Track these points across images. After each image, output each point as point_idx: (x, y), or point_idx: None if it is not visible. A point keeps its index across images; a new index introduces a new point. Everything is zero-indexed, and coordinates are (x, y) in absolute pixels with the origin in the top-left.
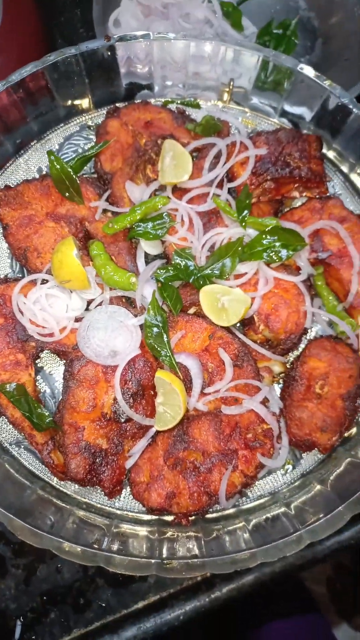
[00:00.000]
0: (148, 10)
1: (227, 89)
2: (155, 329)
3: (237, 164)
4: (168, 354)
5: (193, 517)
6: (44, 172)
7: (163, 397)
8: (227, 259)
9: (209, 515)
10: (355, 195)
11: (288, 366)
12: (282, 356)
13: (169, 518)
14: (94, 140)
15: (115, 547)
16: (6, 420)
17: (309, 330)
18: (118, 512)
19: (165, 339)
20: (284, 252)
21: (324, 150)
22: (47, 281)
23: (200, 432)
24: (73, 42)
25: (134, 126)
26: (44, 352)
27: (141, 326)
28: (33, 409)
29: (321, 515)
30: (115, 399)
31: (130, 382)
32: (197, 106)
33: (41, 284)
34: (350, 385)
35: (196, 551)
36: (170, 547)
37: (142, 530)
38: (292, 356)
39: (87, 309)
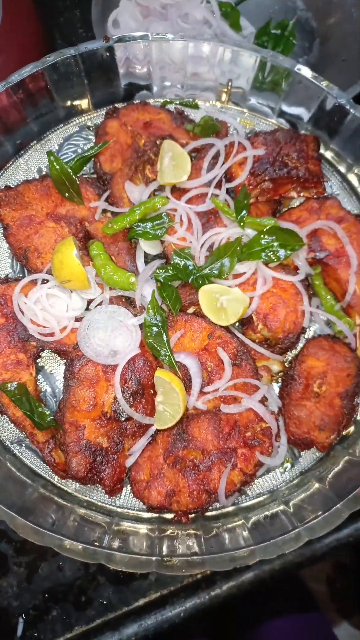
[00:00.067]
0: (147, 11)
1: (226, 90)
2: (154, 329)
3: (235, 165)
4: (167, 353)
5: (193, 515)
6: (44, 173)
7: (163, 396)
8: (226, 259)
9: (208, 513)
10: (352, 195)
11: (286, 365)
12: (281, 355)
13: (169, 516)
14: (94, 140)
15: (115, 544)
16: (7, 419)
17: (307, 330)
18: (118, 510)
19: (165, 339)
20: (282, 252)
21: (322, 151)
22: (47, 281)
23: (200, 431)
24: (72, 42)
25: (133, 127)
26: (45, 351)
27: (141, 326)
28: (34, 408)
29: (319, 513)
30: (115, 398)
31: (130, 381)
32: (196, 107)
33: (42, 283)
34: (348, 384)
35: (196, 549)
36: (171, 545)
37: (143, 528)
38: (290, 355)
39: (87, 309)
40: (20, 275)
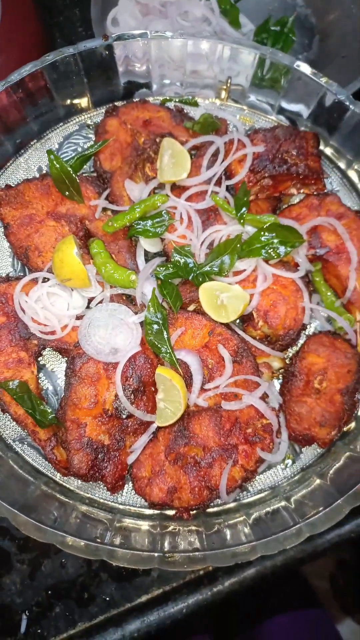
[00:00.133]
0: (146, 9)
1: (225, 87)
2: (155, 326)
3: (235, 162)
4: (168, 351)
5: (194, 512)
6: (44, 172)
7: (164, 393)
8: (226, 256)
9: (210, 510)
10: (352, 191)
11: (287, 362)
12: (281, 352)
13: (171, 512)
14: (93, 139)
15: (117, 541)
16: (9, 417)
17: (307, 326)
18: (120, 507)
19: (166, 336)
20: (282, 249)
21: (321, 147)
22: (48, 280)
23: (201, 428)
24: (72, 41)
25: (132, 125)
26: (46, 349)
27: (141, 323)
28: (36, 406)
29: (320, 509)
30: (116, 396)
31: (131, 379)
32: (195, 104)
33: (42, 282)
34: (348, 380)
35: (197, 545)
36: (172, 541)
37: (144, 525)
38: (291, 352)
39: (88, 307)
40: (21, 274)
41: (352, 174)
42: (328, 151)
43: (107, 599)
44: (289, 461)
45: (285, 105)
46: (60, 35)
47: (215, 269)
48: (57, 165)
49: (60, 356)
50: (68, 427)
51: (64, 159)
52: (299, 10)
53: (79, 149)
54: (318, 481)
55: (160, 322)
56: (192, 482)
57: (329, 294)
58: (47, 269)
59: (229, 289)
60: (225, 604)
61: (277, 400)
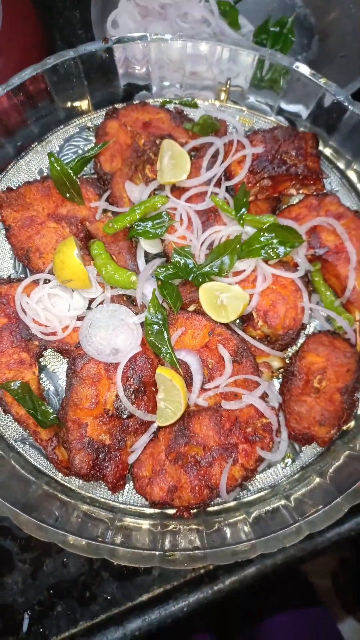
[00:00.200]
0: (145, 11)
1: (224, 88)
2: (155, 327)
3: (234, 163)
4: (168, 351)
5: (195, 510)
6: (45, 174)
7: (164, 393)
8: (226, 257)
9: (210, 508)
10: (351, 191)
11: (287, 361)
12: (281, 351)
13: (171, 511)
14: (94, 141)
15: (118, 540)
16: (11, 417)
17: (307, 326)
18: (121, 506)
19: (166, 336)
20: (281, 249)
21: (321, 148)
22: (49, 281)
23: (201, 427)
24: (72, 43)
25: (132, 127)
26: (47, 350)
27: (142, 324)
28: (37, 407)
29: (320, 507)
30: (117, 396)
31: (132, 379)
32: (195, 106)
33: (43, 283)
34: (348, 379)
35: (198, 543)
36: (173, 540)
37: (145, 524)
38: (290, 351)
39: (88, 308)
40: (23, 276)
41: (351, 174)
42: (327, 151)
43: (109, 597)
44: (289, 460)
45: (284, 106)
46: (60, 37)
47: (215, 269)
48: (58, 168)
49: (62, 357)
50: (69, 427)
51: (65, 161)
52: (298, 10)
53: (80, 151)
54: (318, 480)
55: (161, 322)
56: (193, 481)
57: (328, 293)
58: (48, 271)
59: (229, 289)
60: (226, 602)
61: (276, 399)
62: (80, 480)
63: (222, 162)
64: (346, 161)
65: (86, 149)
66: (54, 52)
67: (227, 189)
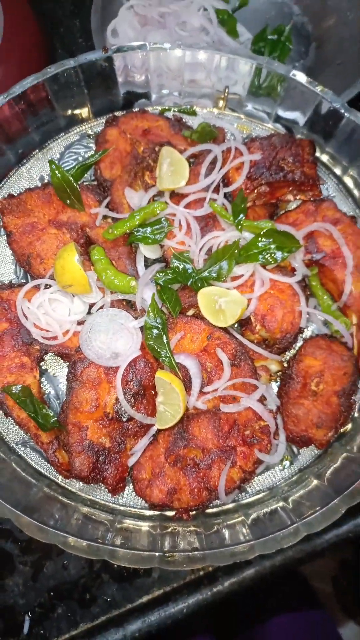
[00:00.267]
0: (145, 20)
1: (222, 96)
2: (155, 331)
3: (232, 169)
4: (168, 355)
5: (194, 512)
6: (46, 181)
7: (163, 397)
8: (224, 262)
9: (209, 510)
10: (348, 197)
11: (285, 365)
12: (279, 355)
13: (171, 513)
14: (94, 148)
15: (118, 541)
16: (12, 421)
17: (304, 330)
18: (121, 508)
19: (165, 340)
20: (279, 254)
21: (317, 154)
22: (50, 286)
23: (200, 430)
24: (72, 51)
25: (132, 134)
26: (48, 354)
27: (141, 328)
28: (38, 410)
29: (317, 509)
30: (117, 399)
31: (132, 383)
32: (193, 113)
33: (44, 289)
34: (345, 383)
35: (197, 544)
36: (172, 541)
37: (145, 526)
38: (288, 355)
39: (89, 313)
40: (24, 281)
41: (347, 180)
42: (324, 158)
43: (109, 599)
44: (287, 462)
45: (281, 113)
46: (60, 45)
47: (214, 274)
48: (59, 175)
49: (62, 361)
50: (70, 430)
51: (65, 168)
52: (296, 18)
53: (80, 158)
54: (315, 482)
55: (160, 326)
56: (192, 484)
57: (325, 297)
58: (48, 276)
59: (227, 294)
60: (225, 604)
61: (274, 402)
62: (81, 482)
63: (221, 168)
64: (343, 167)
65: (86, 156)
66: (55, 60)
67: (226, 195)
